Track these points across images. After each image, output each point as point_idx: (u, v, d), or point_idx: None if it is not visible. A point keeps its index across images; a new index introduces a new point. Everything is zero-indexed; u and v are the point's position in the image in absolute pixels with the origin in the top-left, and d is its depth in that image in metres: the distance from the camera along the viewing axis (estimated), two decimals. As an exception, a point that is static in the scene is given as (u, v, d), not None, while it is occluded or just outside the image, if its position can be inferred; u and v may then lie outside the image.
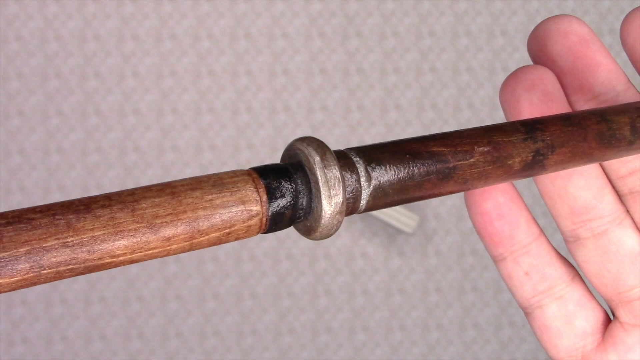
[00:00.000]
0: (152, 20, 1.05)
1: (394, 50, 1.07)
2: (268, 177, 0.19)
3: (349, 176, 0.19)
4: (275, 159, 1.05)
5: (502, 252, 0.24)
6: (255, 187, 0.19)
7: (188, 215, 0.19)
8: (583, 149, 0.20)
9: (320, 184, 0.19)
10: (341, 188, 0.19)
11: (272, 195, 0.19)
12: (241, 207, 0.18)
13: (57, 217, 0.16)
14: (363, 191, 0.19)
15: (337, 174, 0.19)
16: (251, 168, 0.19)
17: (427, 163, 0.20)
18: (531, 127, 0.20)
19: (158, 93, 1.05)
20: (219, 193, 0.18)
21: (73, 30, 1.05)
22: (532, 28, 1.08)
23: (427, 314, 1.06)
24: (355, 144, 1.06)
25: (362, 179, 0.19)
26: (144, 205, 0.18)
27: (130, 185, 1.04)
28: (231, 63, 1.06)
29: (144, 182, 1.04)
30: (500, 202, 0.23)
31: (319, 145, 0.19)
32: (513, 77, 0.23)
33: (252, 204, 0.18)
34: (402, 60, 1.07)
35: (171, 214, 0.19)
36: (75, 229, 0.16)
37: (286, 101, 1.06)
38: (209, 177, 0.19)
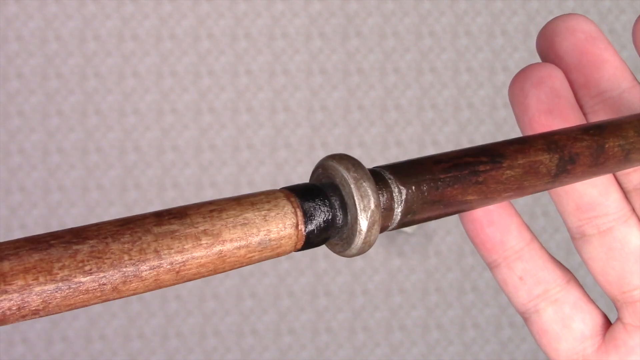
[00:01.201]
0: (152, 20, 1.05)
1: (394, 50, 1.07)
2: (304, 197, 0.19)
3: (383, 194, 0.20)
4: (276, 159, 1.05)
5: (496, 258, 0.24)
6: (293, 209, 0.19)
7: (222, 239, 0.19)
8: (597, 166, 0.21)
9: (357, 202, 0.19)
10: (375, 204, 0.19)
11: (309, 216, 0.19)
12: (278, 228, 0.19)
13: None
14: (395, 209, 0.20)
15: (373, 192, 0.19)
16: (285, 188, 0.19)
17: (459, 182, 0.20)
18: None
19: (158, 93, 1.05)
20: (257, 213, 0.19)
21: (73, 30, 1.05)
22: (532, 28, 1.08)
23: (427, 314, 1.06)
24: (355, 144, 1.06)
25: (395, 197, 0.20)
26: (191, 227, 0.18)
27: (130, 185, 1.04)
28: (231, 63, 1.06)
29: (144, 182, 1.04)
30: (489, 209, 0.24)
31: (353, 164, 0.19)
32: (521, 74, 0.23)
33: (289, 226, 0.19)
34: (402, 60, 1.07)
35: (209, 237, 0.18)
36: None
37: (286, 101, 1.06)
38: (246, 199, 0.19)
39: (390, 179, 0.20)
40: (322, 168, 0.20)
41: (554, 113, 0.23)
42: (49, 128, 1.04)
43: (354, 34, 1.06)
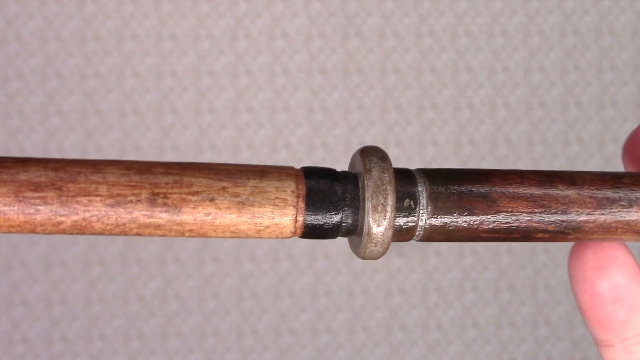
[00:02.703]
0: (152, 20, 1.05)
1: (394, 50, 1.07)
2: (312, 183, 0.18)
3: (408, 202, 0.18)
4: (276, 158, 1.05)
5: (611, 338, 0.21)
6: (296, 189, 0.18)
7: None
8: None
9: (368, 200, 0.18)
10: (391, 211, 0.18)
11: (311, 200, 0.18)
12: (277, 207, 0.18)
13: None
14: (420, 221, 0.18)
15: (391, 194, 0.18)
16: (303, 167, 0.19)
17: (507, 229, 0.18)
18: None
19: (158, 93, 1.05)
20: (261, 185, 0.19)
21: (73, 30, 1.05)
22: (532, 28, 1.08)
23: (427, 314, 1.06)
24: (355, 144, 1.06)
25: (421, 209, 0.18)
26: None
27: (130, 185, 1.04)
28: (231, 63, 1.06)
29: (144, 182, 1.04)
30: (618, 282, 0.20)
31: (380, 158, 0.18)
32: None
33: (288, 208, 0.18)
34: (402, 60, 1.07)
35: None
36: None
37: (286, 101, 1.06)
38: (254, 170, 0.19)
39: (420, 187, 0.18)
40: (352, 159, 0.19)
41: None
42: (49, 128, 1.04)
43: (354, 34, 1.06)
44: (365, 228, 0.18)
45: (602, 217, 0.19)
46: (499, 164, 1.09)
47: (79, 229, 0.18)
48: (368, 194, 0.18)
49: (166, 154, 1.04)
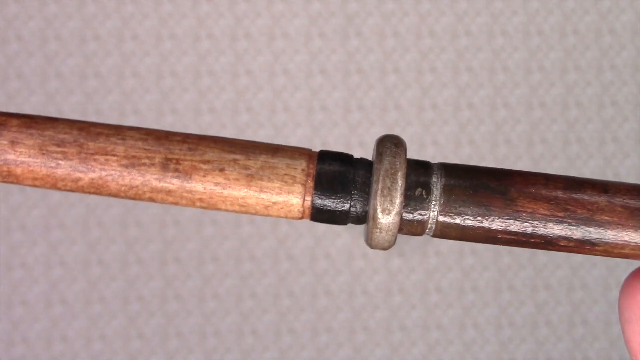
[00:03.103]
0: (152, 20, 1.05)
1: (394, 50, 1.07)
2: (324, 165, 0.18)
3: (420, 191, 0.18)
4: (275, 159, 1.05)
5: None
6: (307, 168, 0.18)
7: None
8: None
9: (378, 187, 0.17)
10: (398, 196, 0.17)
11: (320, 181, 0.18)
12: (285, 184, 0.18)
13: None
14: (431, 213, 0.18)
15: (400, 179, 0.17)
16: (320, 150, 0.18)
17: (526, 233, 0.17)
18: None
19: (158, 93, 1.05)
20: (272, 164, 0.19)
21: (73, 30, 1.05)
22: (532, 28, 1.08)
23: (427, 314, 1.06)
24: (355, 144, 1.06)
25: (433, 200, 0.18)
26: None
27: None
28: (231, 63, 1.06)
29: (144, 182, 1.04)
30: None
31: (395, 144, 0.18)
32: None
33: (296, 185, 0.18)
34: (402, 60, 1.07)
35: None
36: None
37: (286, 101, 1.06)
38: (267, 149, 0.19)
39: (435, 178, 0.18)
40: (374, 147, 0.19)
41: None
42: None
43: (354, 34, 1.06)
44: (371, 212, 0.18)
45: (635, 229, 0.17)
46: (499, 164, 1.09)
47: (96, 188, 0.19)
48: (376, 177, 0.18)
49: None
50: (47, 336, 1.03)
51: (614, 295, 1.08)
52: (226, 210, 0.19)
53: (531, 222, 0.17)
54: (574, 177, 0.18)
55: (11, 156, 0.18)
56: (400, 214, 0.18)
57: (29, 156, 0.18)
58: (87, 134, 0.18)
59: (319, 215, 0.18)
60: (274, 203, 0.18)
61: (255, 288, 1.05)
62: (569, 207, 0.17)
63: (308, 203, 0.18)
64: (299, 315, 1.05)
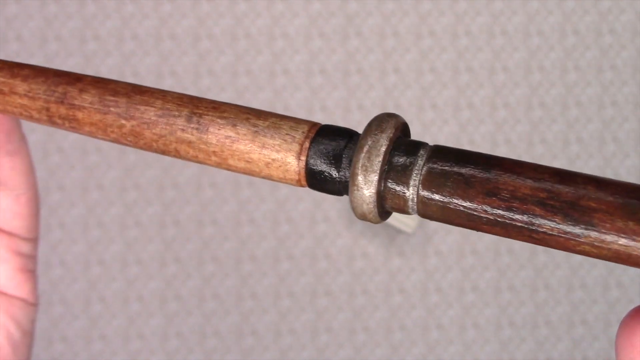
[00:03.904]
0: (152, 20, 1.05)
1: (394, 50, 1.07)
2: (325, 133, 0.19)
3: (404, 161, 0.18)
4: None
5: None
6: (307, 132, 0.19)
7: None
8: None
9: (359, 158, 0.18)
10: (379, 164, 0.18)
11: (317, 144, 0.19)
12: (284, 142, 0.20)
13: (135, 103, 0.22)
14: (412, 188, 0.18)
15: (380, 156, 0.18)
16: (325, 125, 0.19)
17: (507, 214, 0.16)
18: None
19: (158, 93, 1.05)
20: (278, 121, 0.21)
21: (73, 30, 1.05)
22: (532, 28, 1.08)
23: (427, 314, 1.06)
24: (355, 144, 1.06)
25: (415, 173, 0.18)
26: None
27: (129, 185, 1.04)
28: (231, 63, 1.06)
29: (143, 182, 1.04)
30: None
31: (389, 115, 0.18)
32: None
33: (294, 144, 0.19)
34: (402, 60, 1.07)
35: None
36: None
37: (286, 101, 1.06)
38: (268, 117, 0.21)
39: (421, 154, 0.18)
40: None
41: None
42: (49, 128, 1.04)
43: (354, 34, 1.06)
44: (350, 171, 0.18)
45: (623, 220, 0.15)
46: (499, 164, 1.08)
47: (134, 136, 0.22)
48: (363, 136, 0.18)
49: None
50: (47, 336, 1.03)
51: (613, 296, 1.08)
52: (235, 167, 0.21)
53: (512, 201, 0.16)
54: (567, 170, 0.17)
55: (77, 101, 0.22)
56: (379, 175, 0.18)
57: (90, 103, 0.22)
58: (137, 89, 0.22)
59: (313, 179, 0.19)
60: (273, 160, 0.20)
61: (255, 288, 1.05)
62: (554, 190, 0.16)
63: (302, 163, 0.19)
64: (299, 315, 1.05)
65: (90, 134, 0.23)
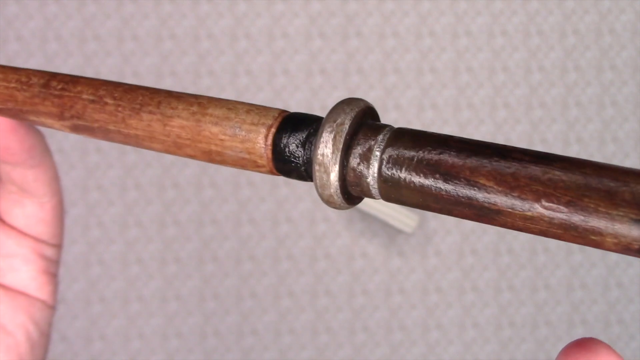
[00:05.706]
0: (152, 20, 1.05)
1: (394, 50, 1.07)
2: (293, 119, 0.20)
3: (364, 144, 0.18)
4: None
5: None
6: (278, 115, 0.20)
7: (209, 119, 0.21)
8: None
9: (321, 142, 0.18)
10: (338, 155, 0.18)
11: (281, 130, 0.19)
12: (252, 121, 0.20)
13: (118, 109, 0.22)
14: (370, 171, 0.18)
15: (342, 139, 0.18)
16: (293, 113, 0.20)
17: (463, 193, 0.17)
18: None
19: (158, 93, 1.05)
20: (245, 107, 0.21)
21: (73, 30, 1.05)
22: (532, 28, 1.08)
23: (427, 314, 1.06)
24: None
25: (373, 161, 0.18)
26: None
27: (130, 185, 1.04)
28: (231, 63, 1.06)
29: (144, 182, 1.04)
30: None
31: (348, 106, 0.19)
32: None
33: (260, 132, 0.20)
34: (402, 60, 1.07)
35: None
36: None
37: (286, 101, 1.06)
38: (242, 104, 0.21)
39: (388, 129, 0.18)
40: None
41: None
42: (49, 129, 1.04)
43: (354, 34, 1.06)
44: (313, 148, 0.18)
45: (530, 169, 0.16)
46: (499, 164, 1.08)
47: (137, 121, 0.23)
48: (324, 121, 0.19)
49: (166, 154, 1.04)
50: (47, 336, 1.03)
51: (613, 295, 1.08)
52: (208, 146, 0.21)
53: (460, 179, 0.17)
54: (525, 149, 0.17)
55: (85, 95, 0.24)
56: (340, 158, 0.18)
57: (89, 97, 0.24)
58: (128, 88, 0.24)
59: (279, 158, 0.19)
60: (245, 136, 0.21)
61: (255, 288, 1.05)
62: (483, 151, 0.17)
63: (270, 141, 0.19)
64: (298, 315, 1.05)
65: (104, 122, 0.24)
